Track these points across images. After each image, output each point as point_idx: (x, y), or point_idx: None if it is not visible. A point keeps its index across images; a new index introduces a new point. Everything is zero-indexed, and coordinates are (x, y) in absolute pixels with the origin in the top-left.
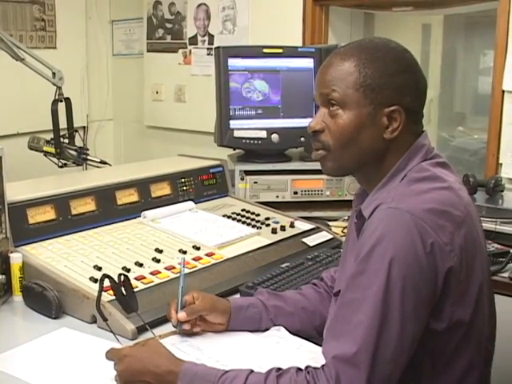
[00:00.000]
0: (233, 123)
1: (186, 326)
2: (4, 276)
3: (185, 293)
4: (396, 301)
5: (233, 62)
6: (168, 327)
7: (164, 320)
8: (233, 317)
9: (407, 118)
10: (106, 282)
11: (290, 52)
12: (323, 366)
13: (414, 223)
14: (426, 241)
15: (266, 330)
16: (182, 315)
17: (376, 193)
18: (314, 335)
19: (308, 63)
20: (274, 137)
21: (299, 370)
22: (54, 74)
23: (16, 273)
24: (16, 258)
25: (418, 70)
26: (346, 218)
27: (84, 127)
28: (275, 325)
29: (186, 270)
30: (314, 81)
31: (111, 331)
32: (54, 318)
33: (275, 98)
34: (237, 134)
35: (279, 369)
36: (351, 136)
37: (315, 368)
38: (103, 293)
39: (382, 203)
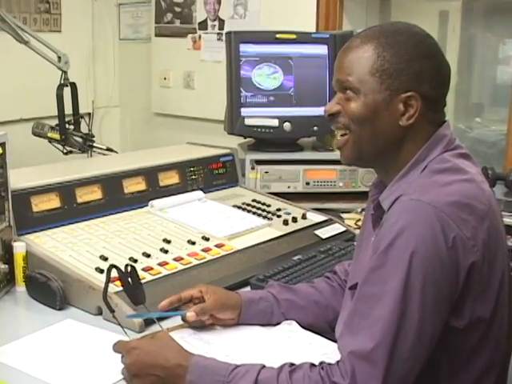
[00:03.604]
0: (244, 111)
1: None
2: (7, 266)
3: None
4: (416, 296)
5: (244, 48)
6: (176, 320)
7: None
8: (243, 311)
9: (425, 105)
10: (113, 273)
11: (303, 38)
12: (338, 361)
13: (436, 216)
14: (448, 235)
15: (277, 324)
16: (191, 315)
17: (395, 184)
18: (326, 330)
19: (322, 50)
20: (286, 125)
21: (313, 365)
22: (59, 57)
23: (19, 262)
24: (19, 247)
25: (440, 57)
26: (360, 210)
27: (89, 114)
28: (287, 319)
29: (195, 262)
30: (328, 68)
31: (118, 323)
32: (59, 310)
33: (288, 86)
34: (248, 122)
35: (292, 364)
36: (367, 118)
37: (329, 364)
38: (109, 284)
39: (402, 195)
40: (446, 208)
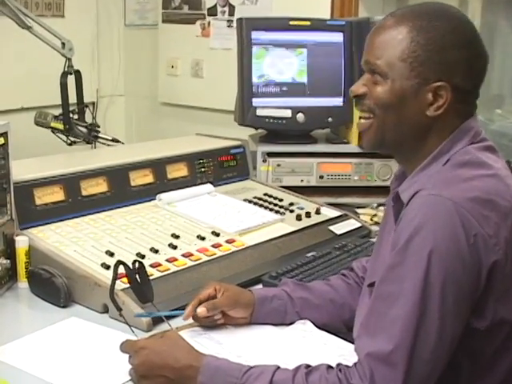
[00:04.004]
0: (255, 101)
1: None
2: (9, 261)
3: None
4: (435, 295)
5: (256, 35)
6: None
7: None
8: (256, 309)
9: (455, 96)
10: (120, 269)
11: (317, 25)
12: (356, 363)
13: (456, 212)
14: (468, 232)
15: (291, 323)
16: (201, 310)
17: (416, 175)
18: (341, 329)
19: (337, 37)
20: (300, 116)
21: (330, 367)
22: (63, 44)
23: (22, 257)
24: (22, 242)
25: (477, 45)
26: (376, 205)
27: (93, 103)
28: (301, 318)
29: (205, 258)
30: (344, 57)
31: (125, 322)
32: (63, 307)
33: (301, 76)
34: (260, 112)
35: (308, 365)
36: (393, 105)
37: (347, 366)
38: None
39: (422, 189)
40: (466, 204)
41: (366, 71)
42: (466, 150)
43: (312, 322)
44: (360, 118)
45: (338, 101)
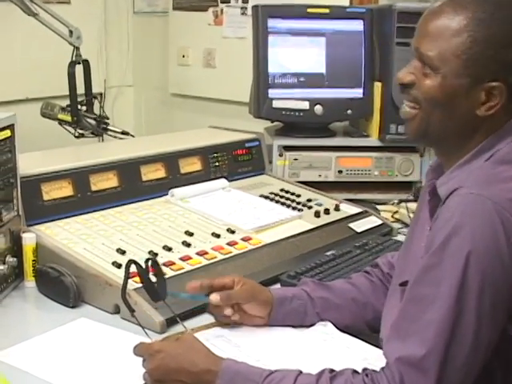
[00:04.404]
0: (272, 92)
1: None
2: (15, 259)
3: None
4: (472, 300)
5: (273, 23)
6: (200, 320)
7: (196, 312)
8: (274, 309)
9: (509, 96)
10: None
11: (337, 13)
12: (384, 368)
13: (496, 212)
14: (509, 233)
15: (311, 325)
16: (214, 297)
17: (455, 170)
18: (364, 330)
19: (357, 25)
20: (318, 108)
21: (355, 372)
22: (70, 32)
23: (29, 255)
24: (29, 239)
25: None
26: (397, 201)
27: (100, 94)
28: (321, 319)
29: (220, 256)
30: (364, 46)
31: (138, 324)
32: (72, 307)
33: (319, 66)
34: (276, 104)
35: (332, 370)
36: (442, 101)
37: (374, 370)
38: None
39: (461, 186)
40: (506, 204)
41: (416, 58)
42: (510, 146)
43: (333, 323)
44: (405, 104)
45: (357, 92)
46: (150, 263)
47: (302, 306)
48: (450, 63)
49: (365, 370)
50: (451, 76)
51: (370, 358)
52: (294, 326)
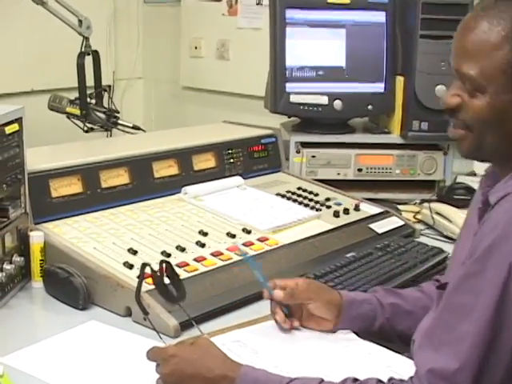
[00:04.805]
0: (289, 86)
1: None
2: (22, 258)
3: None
4: None
5: (291, 14)
6: (216, 324)
7: (211, 315)
8: (343, 312)
9: None
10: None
11: (358, 3)
12: (413, 378)
13: None
14: None
15: (379, 330)
16: (277, 293)
17: (510, 180)
18: None
19: (379, 17)
20: (337, 103)
21: (380, 381)
22: (80, 21)
23: (36, 255)
24: (36, 238)
25: None
26: (419, 201)
27: (109, 86)
28: (391, 326)
29: (236, 258)
30: (386, 38)
31: (153, 328)
32: (81, 309)
33: (339, 59)
34: (293, 98)
35: (356, 379)
36: (492, 121)
37: (401, 380)
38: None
39: (510, 193)
40: None
41: (457, 78)
42: None
43: (402, 330)
44: (452, 126)
45: (379, 87)
46: (163, 266)
47: (372, 311)
48: (496, 80)
49: (391, 379)
50: (499, 93)
51: (392, 365)
52: (314, 333)
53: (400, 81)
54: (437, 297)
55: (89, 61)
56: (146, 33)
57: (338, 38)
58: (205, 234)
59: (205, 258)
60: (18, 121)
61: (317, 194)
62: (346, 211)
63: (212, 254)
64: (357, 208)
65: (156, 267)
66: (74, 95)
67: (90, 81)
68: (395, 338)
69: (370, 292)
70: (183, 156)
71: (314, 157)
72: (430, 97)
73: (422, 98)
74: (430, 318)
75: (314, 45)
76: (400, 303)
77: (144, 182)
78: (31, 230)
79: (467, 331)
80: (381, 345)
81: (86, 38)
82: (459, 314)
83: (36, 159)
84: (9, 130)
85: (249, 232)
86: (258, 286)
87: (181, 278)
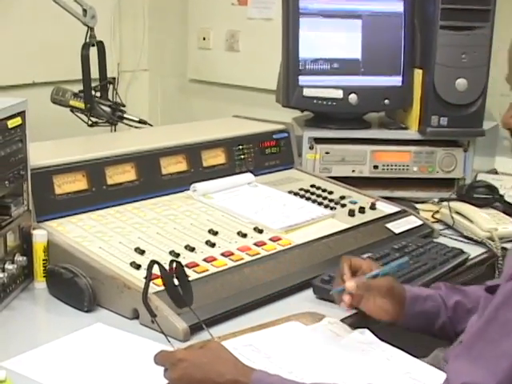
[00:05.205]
0: (302, 79)
1: (346, 299)
2: (25, 258)
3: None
4: None
5: (304, 4)
6: (227, 327)
7: (222, 318)
8: (407, 307)
9: None
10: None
11: None
12: None
13: None
14: None
15: (440, 329)
16: (351, 285)
17: None
18: None
19: (397, 7)
20: (352, 97)
21: None
22: (84, 11)
23: (39, 254)
24: (39, 236)
25: None
26: (437, 200)
27: (113, 79)
28: (453, 324)
29: (248, 258)
30: (404, 29)
31: (161, 331)
32: (86, 311)
33: (355, 51)
34: (307, 92)
35: None
36: None
37: None
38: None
39: None
40: None
41: None
42: None
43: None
44: None
45: (396, 80)
46: (174, 265)
47: (436, 308)
48: None
49: None
50: None
51: (412, 371)
52: (329, 336)
53: (418, 74)
54: (483, 300)
55: (93, 52)
56: (152, 23)
57: (354, 28)
58: (215, 234)
59: (215, 259)
60: (21, 114)
61: (331, 192)
62: (362, 210)
63: (222, 254)
64: (373, 207)
65: (165, 267)
66: (78, 88)
67: (93, 73)
68: (454, 337)
69: (433, 288)
70: (192, 152)
71: (327, 153)
72: (449, 91)
73: (442, 91)
74: (475, 324)
75: (328, 36)
76: (463, 301)
77: (151, 178)
78: (34, 229)
79: (509, 350)
80: (400, 348)
81: (91, 28)
82: (504, 329)
83: (39, 155)
84: (11, 124)
85: (260, 231)
86: (271, 288)
87: (190, 278)
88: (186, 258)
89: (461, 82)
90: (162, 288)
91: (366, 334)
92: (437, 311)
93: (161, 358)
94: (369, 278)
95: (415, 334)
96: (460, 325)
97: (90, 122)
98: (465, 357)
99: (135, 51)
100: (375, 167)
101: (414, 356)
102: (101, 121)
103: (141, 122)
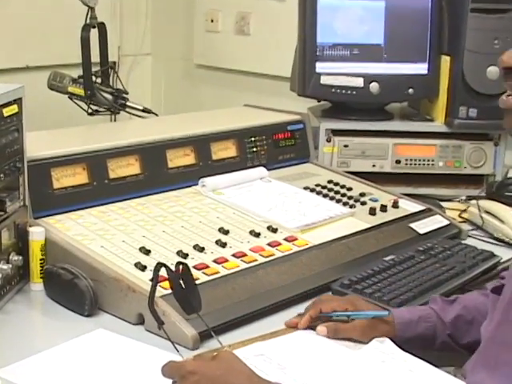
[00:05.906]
0: (320, 66)
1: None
2: (21, 257)
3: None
4: None
5: None
6: (238, 335)
7: (233, 324)
8: (398, 335)
9: None
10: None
11: None
12: None
13: None
14: None
15: (441, 347)
16: (321, 329)
17: None
18: None
19: None
20: (374, 86)
21: None
22: None
23: (36, 253)
24: (36, 234)
25: None
26: (465, 198)
27: (114, 63)
28: (455, 341)
29: (261, 259)
30: (431, 14)
31: (168, 338)
32: (87, 316)
33: (377, 36)
34: (324, 80)
35: None
36: None
37: None
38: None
39: None
40: None
41: None
42: None
43: (471, 342)
44: (507, 93)
45: (421, 68)
46: (180, 267)
47: (431, 329)
48: None
49: None
50: None
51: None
52: (347, 345)
53: (446, 61)
54: (491, 302)
55: (93, 34)
56: (155, 3)
57: (376, 11)
58: (225, 233)
59: (226, 260)
60: (17, 102)
61: (350, 189)
62: (383, 208)
63: (234, 255)
64: (395, 205)
65: (172, 269)
66: (77, 73)
67: (93, 57)
68: (461, 350)
69: (430, 303)
70: (200, 144)
71: (346, 146)
72: (479, 79)
73: (471, 80)
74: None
75: (348, 20)
76: (462, 314)
77: (157, 172)
78: (30, 226)
79: None
80: (422, 359)
81: (92, 9)
82: None
83: (36, 145)
84: (7, 112)
85: (275, 230)
86: (286, 293)
87: (199, 281)
88: (194, 258)
89: (492, 70)
90: (169, 291)
91: (385, 343)
92: (432, 332)
93: (169, 370)
94: (338, 316)
95: None
96: (464, 338)
97: (89, 111)
98: (483, 368)
99: (137, 34)
100: (397, 162)
101: (435, 365)
102: (101, 109)
103: (145, 110)
